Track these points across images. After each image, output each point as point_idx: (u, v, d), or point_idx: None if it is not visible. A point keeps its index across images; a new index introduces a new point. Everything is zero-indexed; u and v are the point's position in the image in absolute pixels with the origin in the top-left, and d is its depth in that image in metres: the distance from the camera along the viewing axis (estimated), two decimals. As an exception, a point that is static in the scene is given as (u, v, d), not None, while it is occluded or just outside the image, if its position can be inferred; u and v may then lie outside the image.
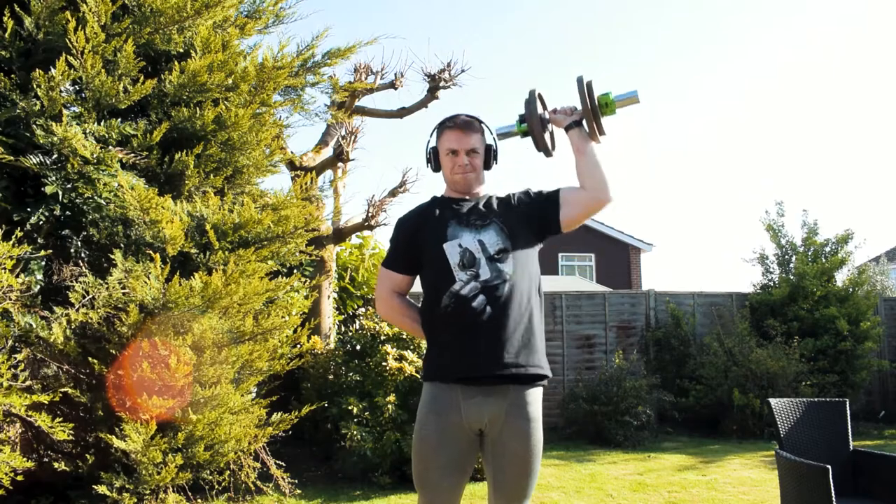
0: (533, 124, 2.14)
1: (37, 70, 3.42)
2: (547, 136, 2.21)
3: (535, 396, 2.05)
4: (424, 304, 2.13)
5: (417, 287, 2.15)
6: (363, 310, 6.69)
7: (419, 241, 2.12)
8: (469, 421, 1.99)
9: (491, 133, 2.21)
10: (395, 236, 2.21)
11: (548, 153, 2.23)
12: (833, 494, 2.66)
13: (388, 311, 2.24)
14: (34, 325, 3.37)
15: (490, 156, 2.19)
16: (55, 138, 3.45)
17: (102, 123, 3.75)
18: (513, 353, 1.98)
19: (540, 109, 2.18)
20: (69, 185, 3.60)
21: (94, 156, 3.62)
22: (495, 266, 2.01)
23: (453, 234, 2.06)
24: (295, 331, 4.52)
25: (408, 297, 2.24)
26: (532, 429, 2.01)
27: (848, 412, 3.33)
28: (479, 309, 1.97)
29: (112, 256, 3.63)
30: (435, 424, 2.01)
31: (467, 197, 2.17)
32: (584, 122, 2.13)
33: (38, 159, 3.51)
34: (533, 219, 2.13)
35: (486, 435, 2.02)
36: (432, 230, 2.09)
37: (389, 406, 5.03)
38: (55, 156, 3.57)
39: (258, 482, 4.42)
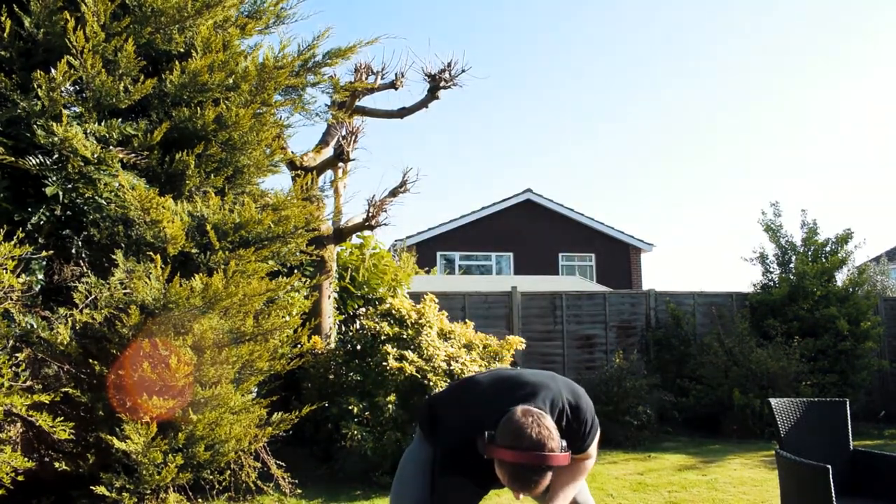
0: None
1: (37, 70, 3.42)
2: None
3: None
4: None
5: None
6: (363, 310, 6.69)
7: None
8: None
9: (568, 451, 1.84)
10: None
11: None
12: (833, 494, 2.67)
13: None
14: (35, 326, 3.38)
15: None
16: (56, 138, 3.45)
17: (103, 123, 3.75)
18: None
19: None
20: (70, 186, 3.60)
21: (95, 156, 3.62)
22: None
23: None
24: (295, 331, 4.52)
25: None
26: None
27: (848, 412, 3.33)
28: None
29: (113, 256, 3.63)
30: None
31: None
32: None
33: (38, 160, 3.51)
34: None
35: None
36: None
37: (390, 406, 5.03)
38: (56, 156, 3.57)
39: (259, 482, 4.42)
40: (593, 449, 2.12)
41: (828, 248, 8.51)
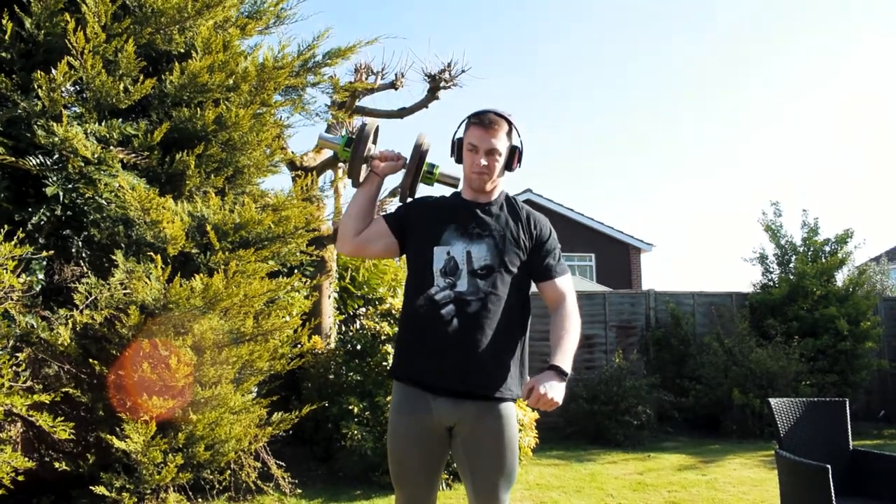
0: (357, 155, 2.12)
1: (38, 71, 3.42)
2: (364, 169, 2.20)
3: (507, 403, 2.07)
4: (404, 300, 2.17)
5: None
6: (364, 310, 6.70)
7: (419, 226, 2.13)
8: (439, 419, 2.02)
9: (518, 135, 2.14)
10: (408, 206, 2.22)
11: (354, 184, 2.22)
12: (833, 494, 2.67)
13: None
14: (35, 326, 3.38)
15: (514, 157, 2.12)
16: (56, 139, 3.45)
17: (103, 123, 3.75)
18: (477, 372, 1.99)
19: (370, 144, 2.16)
20: (70, 186, 3.60)
21: (95, 156, 3.62)
22: (474, 281, 2.01)
23: (447, 239, 2.06)
24: (295, 331, 4.52)
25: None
26: (505, 426, 2.02)
27: (848, 412, 3.33)
28: (446, 318, 1.98)
29: (113, 257, 3.63)
30: (406, 425, 2.05)
31: (480, 199, 2.14)
32: (404, 176, 2.15)
33: (38, 160, 3.51)
34: (527, 261, 2.11)
35: (457, 435, 2.03)
36: (432, 225, 2.10)
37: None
38: (56, 156, 3.57)
39: (259, 482, 4.43)
40: (567, 283, 2.12)
41: (828, 248, 8.51)
